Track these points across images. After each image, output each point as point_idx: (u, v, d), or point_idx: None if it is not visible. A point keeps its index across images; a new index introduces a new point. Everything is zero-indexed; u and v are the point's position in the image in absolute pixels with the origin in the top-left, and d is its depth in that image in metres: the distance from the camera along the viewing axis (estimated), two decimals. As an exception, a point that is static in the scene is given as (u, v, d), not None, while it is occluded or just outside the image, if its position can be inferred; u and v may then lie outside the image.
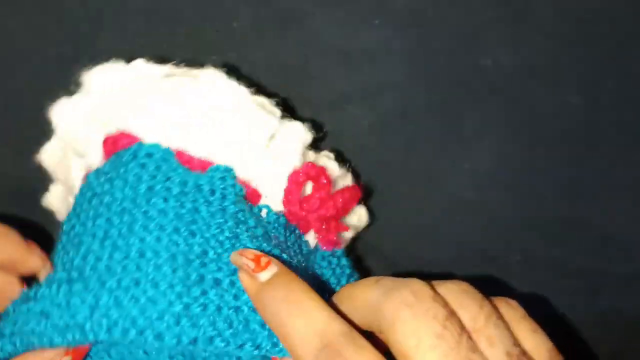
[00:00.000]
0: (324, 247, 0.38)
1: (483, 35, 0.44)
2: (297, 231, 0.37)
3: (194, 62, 0.43)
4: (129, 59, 0.44)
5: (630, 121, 0.47)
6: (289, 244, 0.36)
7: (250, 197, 0.36)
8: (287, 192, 0.36)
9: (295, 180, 0.36)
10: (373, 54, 0.44)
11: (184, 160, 0.34)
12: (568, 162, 0.49)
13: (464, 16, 0.44)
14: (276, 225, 0.36)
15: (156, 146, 0.34)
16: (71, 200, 0.38)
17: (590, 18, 0.44)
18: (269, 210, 0.36)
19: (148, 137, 0.34)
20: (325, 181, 0.37)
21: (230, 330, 0.29)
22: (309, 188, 0.38)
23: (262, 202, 0.36)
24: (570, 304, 0.53)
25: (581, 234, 0.50)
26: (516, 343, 0.27)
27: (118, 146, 0.34)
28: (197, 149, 0.35)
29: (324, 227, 0.38)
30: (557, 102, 0.46)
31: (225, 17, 0.42)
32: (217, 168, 0.34)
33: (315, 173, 0.36)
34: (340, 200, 0.38)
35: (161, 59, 0.43)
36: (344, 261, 0.40)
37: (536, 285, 0.52)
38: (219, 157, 0.35)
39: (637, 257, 0.52)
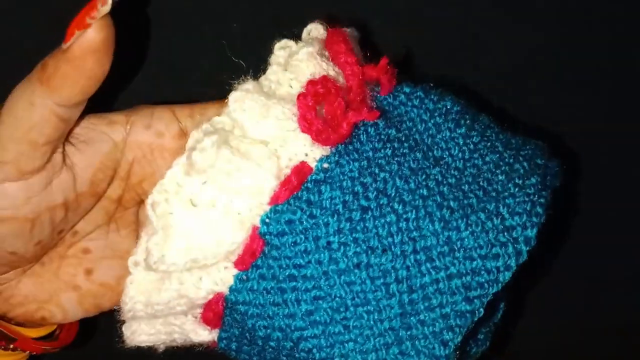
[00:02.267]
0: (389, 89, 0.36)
1: (483, 36, 0.44)
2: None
3: (195, 62, 0.43)
4: (128, 59, 0.44)
5: (630, 121, 0.47)
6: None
7: (303, 171, 0.34)
8: (301, 123, 0.33)
9: (303, 113, 0.33)
10: (372, 54, 0.44)
11: None
12: (568, 162, 0.49)
13: (464, 16, 0.44)
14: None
15: None
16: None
17: (590, 18, 0.44)
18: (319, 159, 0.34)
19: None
20: (321, 89, 0.34)
21: None
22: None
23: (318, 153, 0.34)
24: (571, 304, 0.54)
25: (581, 234, 0.50)
26: None
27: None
28: None
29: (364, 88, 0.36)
30: (557, 102, 0.46)
31: (225, 17, 0.42)
32: None
33: (314, 90, 0.34)
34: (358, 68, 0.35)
35: (161, 60, 0.43)
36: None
37: (536, 285, 0.52)
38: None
39: (638, 257, 0.52)
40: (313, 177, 0.33)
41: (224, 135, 0.33)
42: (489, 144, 0.35)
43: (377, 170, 0.33)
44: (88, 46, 0.30)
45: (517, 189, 0.33)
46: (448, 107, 0.36)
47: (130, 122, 0.35)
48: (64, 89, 0.31)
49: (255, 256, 0.33)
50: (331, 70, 0.35)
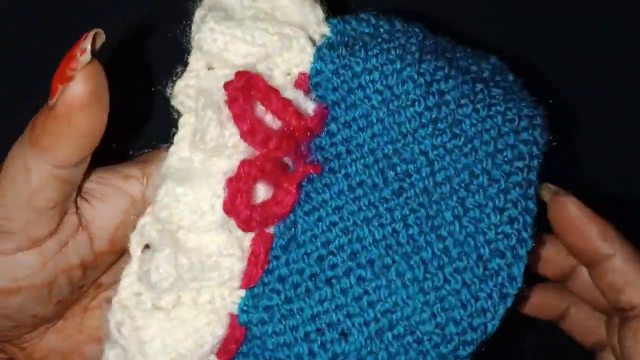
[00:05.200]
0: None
1: (483, 35, 0.44)
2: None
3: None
4: (128, 60, 0.44)
5: (630, 121, 0.47)
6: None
7: (266, 239, 0.33)
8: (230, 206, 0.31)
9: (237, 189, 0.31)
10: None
11: None
12: (567, 163, 0.49)
13: (464, 16, 0.44)
14: None
15: None
16: None
17: (590, 18, 0.44)
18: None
19: None
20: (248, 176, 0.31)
21: None
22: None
23: None
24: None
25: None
26: None
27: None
28: None
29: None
30: (557, 102, 0.46)
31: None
32: None
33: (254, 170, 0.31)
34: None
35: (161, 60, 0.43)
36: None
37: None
38: None
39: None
40: (278, 243, 0.33)
41: (173, 239, 0.31)
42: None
43: (330, 235, 0.32)
44: (74, 101, 0.27)
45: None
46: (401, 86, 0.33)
47: (146, 175, 0.32)
48: (57, 149, 0.28)
49: (239, 343, 0.32)
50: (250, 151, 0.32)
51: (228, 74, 0.32)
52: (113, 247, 0.32)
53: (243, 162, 0.31)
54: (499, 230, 0.32)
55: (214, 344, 0.32)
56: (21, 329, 0.32)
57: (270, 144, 0.31)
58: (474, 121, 0.33)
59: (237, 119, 0.31)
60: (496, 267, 0.31)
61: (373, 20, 0.34)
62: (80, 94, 0.27)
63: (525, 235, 0.32)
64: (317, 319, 0.32)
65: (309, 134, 0.33)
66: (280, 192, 0.32)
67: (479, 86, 0.34)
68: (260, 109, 0.32)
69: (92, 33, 0.27)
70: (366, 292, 0.31)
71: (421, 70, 0.33)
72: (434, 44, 0.35)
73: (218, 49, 0.31)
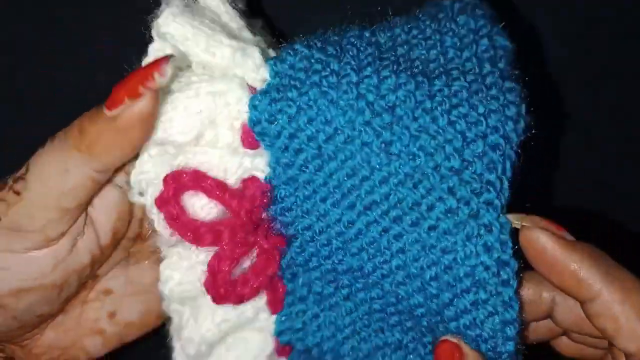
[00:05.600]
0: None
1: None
2: None
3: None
4: (128, 60, 0.44)
5: (630, 121, 0.47)
6: None
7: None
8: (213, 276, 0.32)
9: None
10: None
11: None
12: (568, 162, 0.49)
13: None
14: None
15: None
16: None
17: (590, 18, 0.44)
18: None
19: None
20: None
21: None
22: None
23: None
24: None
25: (579, 232, 0.50)
26: None
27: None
28: None
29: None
30: (557, 101, 0.46)
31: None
32: None
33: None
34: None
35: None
36: None
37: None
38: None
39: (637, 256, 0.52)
40: (287, 273, 0.34)
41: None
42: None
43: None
44: (139, 116, 0.28)
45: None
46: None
47: (127, 164, 0.32)
48: (107, 157, 0.29)
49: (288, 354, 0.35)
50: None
51: (175, 152, 0.31)
52: (115, 237, 0.33)
53: (213, 259, 0.32)
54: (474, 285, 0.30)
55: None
56: (25, 329, 0.33)
57: (223, 238, 0.31)
58: (433, 133, 0.30)
59: (179, 231, 0.31)
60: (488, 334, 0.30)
61: (306, 52, 0.32)
62: (146, 110, 0.28)
63: (512, 308, 0.30)
64: (349, 326, 0.34)
65: (257, 209, 0.32)
66: (262, 258, 0.33)
67: (438, 84, 0.31)
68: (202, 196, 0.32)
69: (170, 57, 0.29)
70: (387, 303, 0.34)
71: (360, 92, 0.31)
72: (382, 46, 0.33)
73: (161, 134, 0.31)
